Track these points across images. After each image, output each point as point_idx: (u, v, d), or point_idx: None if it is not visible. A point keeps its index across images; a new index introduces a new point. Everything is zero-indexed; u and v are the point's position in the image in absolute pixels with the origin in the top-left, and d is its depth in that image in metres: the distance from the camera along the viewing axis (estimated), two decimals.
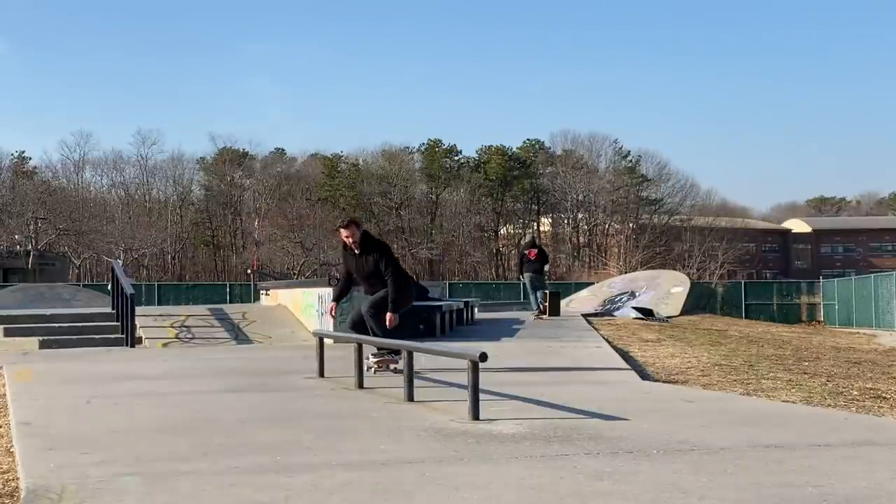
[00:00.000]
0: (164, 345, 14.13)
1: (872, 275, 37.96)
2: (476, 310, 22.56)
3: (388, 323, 8.78)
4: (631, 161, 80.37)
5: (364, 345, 8.25)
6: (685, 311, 30.35)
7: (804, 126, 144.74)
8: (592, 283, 40.09)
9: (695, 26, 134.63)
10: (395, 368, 8.82)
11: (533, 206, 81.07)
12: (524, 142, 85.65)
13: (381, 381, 8.09)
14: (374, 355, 9.01)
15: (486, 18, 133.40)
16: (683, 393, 7.76)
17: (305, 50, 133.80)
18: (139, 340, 14.44)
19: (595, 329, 17.74)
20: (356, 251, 9.07)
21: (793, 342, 18.27)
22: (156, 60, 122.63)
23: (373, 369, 8.84)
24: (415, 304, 15.16)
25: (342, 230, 9.17)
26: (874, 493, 3.81)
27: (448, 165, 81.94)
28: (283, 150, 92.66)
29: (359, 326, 9.04)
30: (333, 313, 9.59)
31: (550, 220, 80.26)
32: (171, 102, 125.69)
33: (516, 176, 79.94)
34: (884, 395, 8.35)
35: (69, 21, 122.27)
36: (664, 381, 9.08)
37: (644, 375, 9.44)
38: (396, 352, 8.57)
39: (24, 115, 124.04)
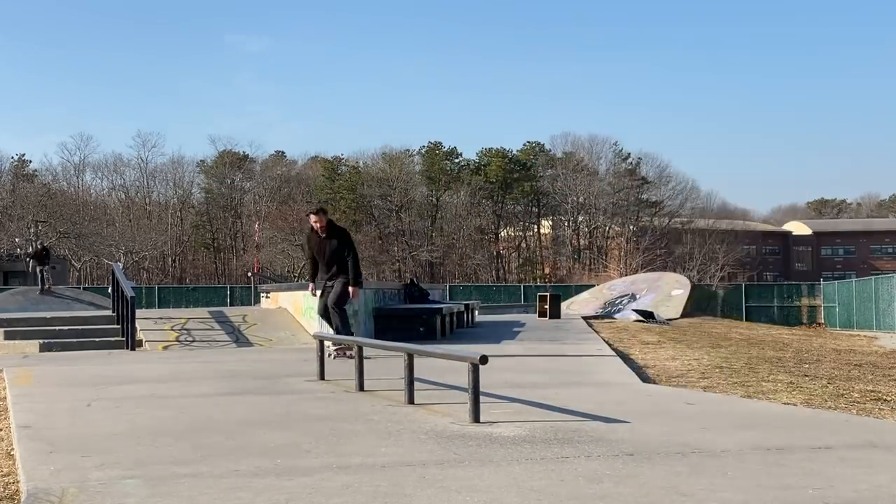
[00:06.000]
0: (165, 347, 14.13)
1: (873, 277, 37.95)
2: (476, 312, 22.56)
3: (353, 296, 10.77)
4: (631, 163, 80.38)
5: (367, 349, 8.24)
6: (686, 313, 30.36)
7: (804, 128, 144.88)
8: (593, 286, 40.09)
9: (695, 28, 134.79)
10: (350, 354, 10.10)
11: (533, 209, 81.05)
12: (524, 144, 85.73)
13: (381, 384, 8.09)
14: (335, 343, 10.43)
15: (486, 20, 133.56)
16: (684, 395, 7.76)
17: (305, 52, 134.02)
18: (139, 343, 14.43)
19: (595, 331, 17.74)
20: (322, 235, 10.76)
21: (793, 344, 18.26)
22: (155, 62, 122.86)
23: (332, 356, 10.30)
24: (415, 306, 15.66)
25: (312, 216, 10.91)
26: (875, 495, 3.80)
27: (448, 168, 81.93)
28: (283, 152, 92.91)
29: (326, 315, 10.87)
30: (314, 292, 11.20)
31: (551, 223, 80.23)
32: (171, 105, 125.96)
33: (517, 178, 79.91)
34: (885, 397, 8.34)
35: (68, 22, 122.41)
36: (665, 384, 9.08)
37: (645, 378, 9.43)
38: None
39: (24, 118, 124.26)
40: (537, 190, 79.94)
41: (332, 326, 10.86)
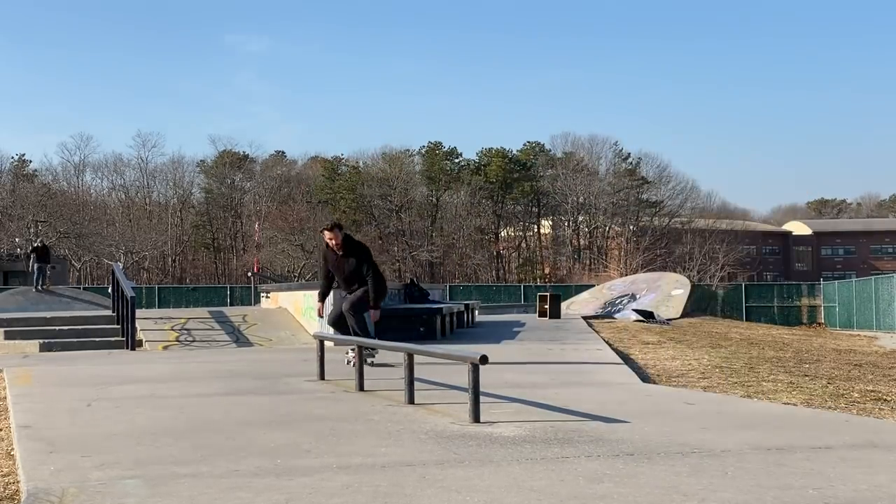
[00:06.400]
0: (165, 347, 14.13)
1: (873, 277, 37.93)
2: (477, 312, 22.56)
3: (373, 319, 9.88)
4: (631, 163, 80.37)
5: (368, 350, 8.25)
6: (686, 313, 30.35)
7: (804, 128, 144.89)
8: (593, 286, 40.07)
9: (695, 29, 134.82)
10: (372, 362, 9.55)
11: (533, 209, 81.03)
12: (524, 144, 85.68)
13: (381, 384, 8.09)
14: (353, 349, 9.52)
15: (487, 21, 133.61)
16: (684, 395, 7.76)
17: (306, 52, 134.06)
18: (139, 343, 14.44)
19: (596, 331, 17.74)
20: (339, 252, 9.99)
21: (793, 344, 18.26)
22: (155, 62, 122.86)
23: (352, 363, 9.35)
24: (415, 306, 15.31)
25: (327, 232, 10.10)
26: (875, 495, 3.80)
27: (448, 168, 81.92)
28: (283, 152, 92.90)
29: (339, 324, 9.97)
30: (322, 313, 10.48)
31: (551, 223, 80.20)
32: (171, 105, 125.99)
33: (517, 178, 79.88)
34: (885, 397, 8.34)
35: (68, 22, 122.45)
36: (665, 384, 9.08)
37: (645, 378, 9.43)
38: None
39: (25, 117, 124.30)
40: (537, 190, 79.90)
41: (346, 334, 10.03)
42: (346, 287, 10.06)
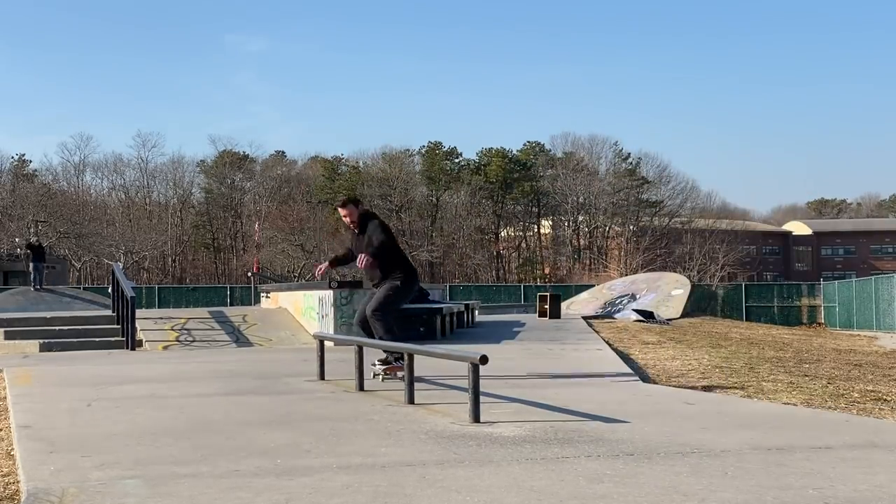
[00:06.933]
0: (165, 347, 14.13)
1: (873, 277, 37.93)
2: (476, 312, 22.56)
3: (360, 262, 8.51)
4: (631, 163, 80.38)
5: (368, 349, 8.23)
6: (686, 313, 30.37)
7: (804, 128, 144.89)
8: (593, 286, 40.08)
9: (695, 29, 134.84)
10: (403, 376, 8.29)
11: (533, 209, 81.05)
12: (524, 144, 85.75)
13: (381, 384, 8.08)
14: (382, 361, 8.70)
15: (487, 20, 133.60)
16: (684, 395, 7.76)
17: (305, 52, 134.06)
18: (139, 343, 14.44)
19: (595, 331, 17.74)
20: (356, 230, 8.91)
21: (793, 344, 18.27)
22: (155, 62, 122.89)
23: (380, 377, 8.60)
24: (416, 306, 14.87)
25: (340, 209, 9.05)
26: (875, 495, 3.80)
27: (448, 168, 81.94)
28: (283, 152, 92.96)
29: (366, 325, 8.82)
30: (323, 274, 9.31)
31: (551, 223, 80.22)
32: (171, 105, 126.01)
33: (517, 178, 79.91)
34: (885, 397, 8.34)
35: (68, 23, 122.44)
36: (665, 384, 9.08)
37: (645, 378, 9.43)
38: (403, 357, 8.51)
39: (24, 118, 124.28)
40: (537, 190, 79.92)
41: (372, 338, 8.75)
42: (370, 274, 8.86)
